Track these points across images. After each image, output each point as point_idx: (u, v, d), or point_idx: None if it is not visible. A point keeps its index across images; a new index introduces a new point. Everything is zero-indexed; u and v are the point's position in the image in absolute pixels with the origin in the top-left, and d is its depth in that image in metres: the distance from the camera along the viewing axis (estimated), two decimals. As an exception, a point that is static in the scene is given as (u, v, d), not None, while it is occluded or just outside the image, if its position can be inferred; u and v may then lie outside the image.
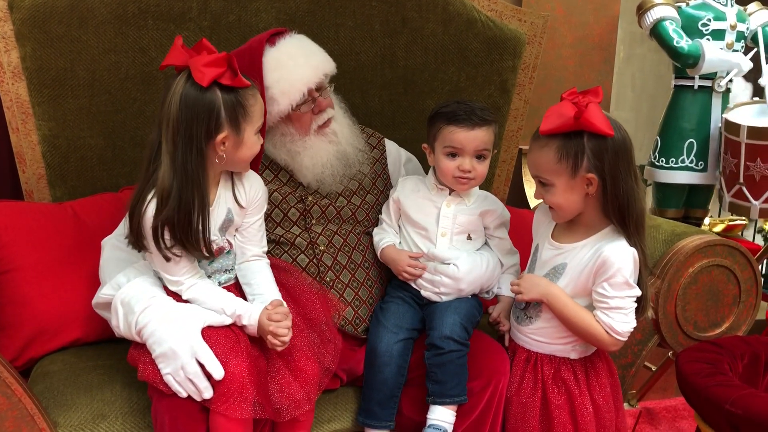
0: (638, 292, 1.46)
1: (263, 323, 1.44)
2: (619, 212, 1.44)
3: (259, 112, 1.47)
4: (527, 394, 1.55)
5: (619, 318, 1.45)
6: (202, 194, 1.40)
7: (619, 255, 1.42)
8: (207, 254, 1.44)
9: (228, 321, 1.46)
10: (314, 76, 1.65)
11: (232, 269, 1.57)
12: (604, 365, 1.58)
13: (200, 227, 1.41)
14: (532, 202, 2.52)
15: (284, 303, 1.52)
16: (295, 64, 1.63)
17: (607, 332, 1.46)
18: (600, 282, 1.44)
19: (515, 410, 1.56)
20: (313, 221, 1.73)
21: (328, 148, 1.71)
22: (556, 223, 1.58)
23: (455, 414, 1.56)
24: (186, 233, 1.39)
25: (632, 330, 1.47)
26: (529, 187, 2.65)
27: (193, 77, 1.37)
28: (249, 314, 1.46)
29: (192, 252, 1.42)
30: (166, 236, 1.39)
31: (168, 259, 1.41)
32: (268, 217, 1.68)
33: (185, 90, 1.38)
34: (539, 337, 1.56)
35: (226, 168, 1.50)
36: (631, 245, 1.44)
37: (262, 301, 1.51)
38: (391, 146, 1.94)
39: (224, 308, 1.46)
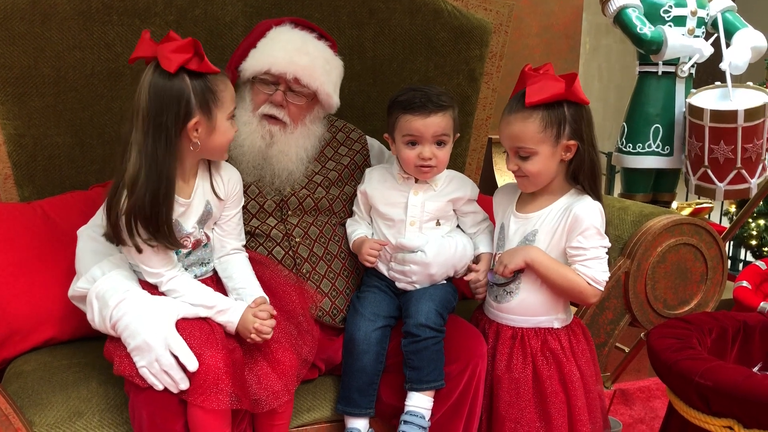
0: (609, 243, 1.56)
1: (248, 320, 1.45)
2: (591, 175, 1.56)
3: (230, 98, 1.48)
4: (518, 369, 1.58)
5: (597, 267, 1.54)
6: (169, 184, 1.40)
7: (589, 210, 1.53)
8: (172, 245, 1.43)
9: (203, 313, 1.46)
10: (282, 66, 1.64)
11: (208, 262, 1.57)
12: (581, 333, 1.64)
13: (165, 217, 1.40)
14: (504, 189, 2.54)
15: (267, 299, 1.52)
16: (282, 48, 1.66)
17: (589, 283, 1.54)
18: (574, 237, 1.53)
19: (507, 387, 1.59)
20: (290, 212, 1.73)
21: (257, 141, 1.69)
22: (517, 198, 1.65)
23: (433, 399, 1.58)
24: (155, 223, 1.39)
25: (608, 279, 1.57)
26: (500, 176, 2.68)
27: (160, 66, 1.38)
28: (231, 311, 1.47)
29: (162, 242, 1.41)
30: (140, 227, 1.39)
31: (140, 251, 1.41)
32: (244, 208, 1.68)
33: (153, 79, 1.39)
34: (522, 310, 1.60)
35: (203, 156, 1.50)
36: (594, 200, 1.56)
37: (245, 295, 1.52)
38: (373, 142, 1.96)
39: (204, 302, 1.46)
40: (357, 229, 1.75)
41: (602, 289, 1.56)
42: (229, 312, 1.47)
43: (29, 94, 1.83)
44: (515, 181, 1.64)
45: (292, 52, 1.66)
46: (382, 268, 1.71)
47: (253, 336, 1.45)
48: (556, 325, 1.61)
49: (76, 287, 1.51)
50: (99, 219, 1.53)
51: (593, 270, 1.54)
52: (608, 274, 1.56)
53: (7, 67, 1.79)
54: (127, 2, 1.85)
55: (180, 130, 1.40)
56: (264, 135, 1.69)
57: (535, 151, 1.52)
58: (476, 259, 1.72)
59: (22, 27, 1.77)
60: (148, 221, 1.38)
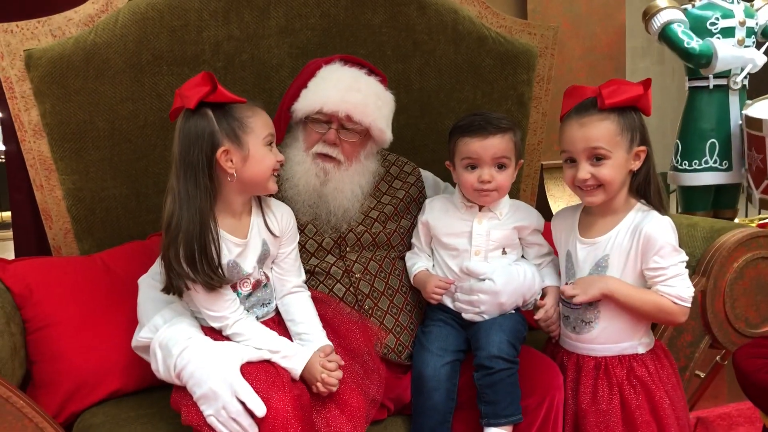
0: (686, 257, 1.49)
1: (315, 369, 1.43)
2: (657, 187, 1.52)
3: (262, 124, 1.46)
4: (605, 401, 1.49)
5: (680, 284, 1.48)
6: (203, 220, 1.38)
7: (660, 227, 1.47)
8: (214, 282, 1.40)
9: (267, 355, 1.43)
10: (334, 105, 1.63)
11: (269, 302, 1.55)
12: (665, 356, 1.57)
13: (202, 253, 1.38)
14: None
15: (333, 347, 1.50)
16: (333, 86, 1.65)
17: (675, 303, 1.47)
18: (650, 258, 1.47)
19: (595, 421, 1.50)
20: (348, 249, 1.70)
21: (311, 179, 1.67)
22: (577, 222, 1.59)
23: (511, 434, 1.50)
24: (192, 260, 1.37)
25: (693, 294, 1.50)
26: (554, 202, 2.62)
27: (186, 110, 1.39)
28: (296, 357, 1.44)
29: (203, 278, 1.38)
30: (178, 266, 1.38)
31: (212, 288, 1.39)
32: (302, 247, 1.66)
33: (180, 124, 1.41)
34: (604, 339, 1.53)
35: (247, 190, 1.48)
36: (662, 215, 1.50)
37: (307, 340, 1.50)
38: (427, 174, 1.93)
39: (269, 346, 1.44)
40: (417, 262, 1.71)
41: (689, 305, 1.48)
42: (294, 358, 1.44)
43: (86, 148, 1.86)
44: (571, 203, 1.59)
45: (343, 90, 1.65)
46: (447, 300, 1.66)
47: (318, 385, 1.43)
48: (641, 350, 1.53)
49: (139, 337, 1.50)
50: (158, 266, 1.53)
51: (677, 288, 1.46)
52: (692, 289, 1.48)
53: (65, 123, 1.83)
54: (176, 52, 1.88)
55: (209, 163, 1.39)
56: (318, 173, 1.68)
57: (610, 155, 1.47)
58: (542, 294, 1.65)
59: (77, 83, 1.81)
60: (186, 260, 1.37)
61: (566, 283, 1.59)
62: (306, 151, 1.69)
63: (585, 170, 1.48)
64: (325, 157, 1.68)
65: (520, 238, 1.68)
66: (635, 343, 1.53)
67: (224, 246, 1.43)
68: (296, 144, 1.70)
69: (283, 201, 1.64)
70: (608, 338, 1.52)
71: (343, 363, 1.47)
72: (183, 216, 1.38)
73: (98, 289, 1.73)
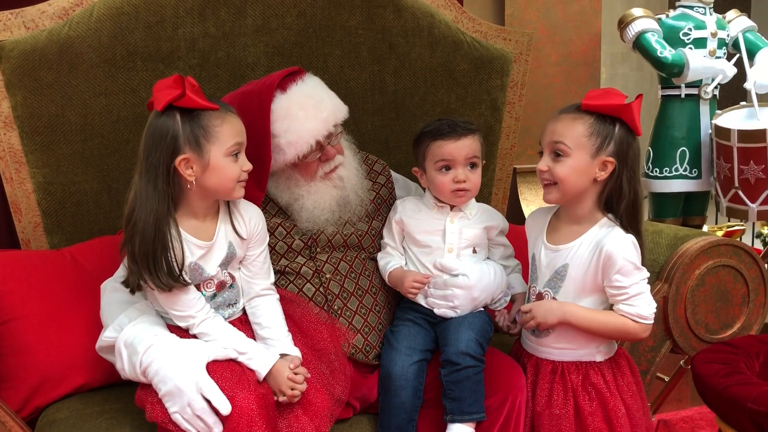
0: (647, 274, 1.48)
1: (282, 381, 1.44)
2: (632, 207, 1.48)
3: (229, 133, 1.42)
4: (559, 405, 1.51)
5: (641, 303, 1.46)
6: (161, 225, 1.37)
7: (621, 245, 1.45)
8: (168, 283, 1.39)
9: (234, 355, 1.44)
10: (323, 128, 1.63)
11: (236, 303, 1.55)
12: (626, 364, 1.57)
13: (156, 256, 1.37)
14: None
15: (300, 358, 1.50)
16: (305, 116, 1.60)
17: (636, 321, 1.47)
18: (611, 275, 1.46)
19: (547, 423, 1.52)
20: (318, 249, 1.72)
21: (332, 192, 1.70)
22: (547, 225, 1.59)
23: (474, 432, 1.53)
24: (145, 261, 1.37)
25: (655, 310, 1.49)
26: (526, 206, 2.65)
27: (155, 110, 1.39)
28: (264, 359, 1.45)
29: (156, 281, 1.38)
30: (134, 264, 1.38)
31: (167, 289, 1.39)
32: (272, 249, 1.67)
33: (149, 122, 1.40)
34: (563, 343, 1.53)
35: (209, 197, 1.47)
36: (627, 233, 1.48)
37: (273, 345, 1.50)
38: (397, 175, 1.94)
39: (236, 347, 1.44)
40: (390, 261, 1.73)
41: (651, 322, 1.48)
42: (259, 360, 1.45)
43: (57, 142, 1.85)
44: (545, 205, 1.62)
45: (315, 110, 1.62)
46: (419, 297, 1.68)
47: (281, 398, 1.44)
48: (599, 358, 1.54)
49: (104, 337, 1.49)
50: (122, 271, 1.52)
51: (638, 308, 1.46)
52: (654, 306, 1.48)
53: (36, 116, 1.82)
54: (151, 48, 1.88)
55: (169, 169, 1.38)
56: (336, 185, 1.70)
57: (570, 153, 1.46)
58: (511, 300, 1.70)
59: (50, 76, 1.80)
60: (140, 258, 1.37)
61: (530, 287, 1.62)
62: (312, 181, 1.68)
63: (544, 162, 1.50)
64: (332, 169, 1.69)
65: (488, 239, 1.72)
66: (593, 350, 1.53)
67: (186, 248, 1.42)
68: (294, 183, 1.68)
69: (313, 224, 1.68)
70: (567, 342, 1.53)
71: (309, 376, 1.48)
72: (140, 216, 1.37)
73: (66, 284, 1.72)
